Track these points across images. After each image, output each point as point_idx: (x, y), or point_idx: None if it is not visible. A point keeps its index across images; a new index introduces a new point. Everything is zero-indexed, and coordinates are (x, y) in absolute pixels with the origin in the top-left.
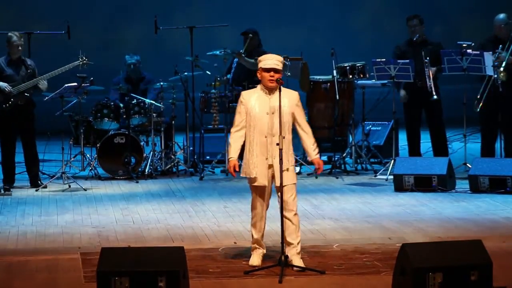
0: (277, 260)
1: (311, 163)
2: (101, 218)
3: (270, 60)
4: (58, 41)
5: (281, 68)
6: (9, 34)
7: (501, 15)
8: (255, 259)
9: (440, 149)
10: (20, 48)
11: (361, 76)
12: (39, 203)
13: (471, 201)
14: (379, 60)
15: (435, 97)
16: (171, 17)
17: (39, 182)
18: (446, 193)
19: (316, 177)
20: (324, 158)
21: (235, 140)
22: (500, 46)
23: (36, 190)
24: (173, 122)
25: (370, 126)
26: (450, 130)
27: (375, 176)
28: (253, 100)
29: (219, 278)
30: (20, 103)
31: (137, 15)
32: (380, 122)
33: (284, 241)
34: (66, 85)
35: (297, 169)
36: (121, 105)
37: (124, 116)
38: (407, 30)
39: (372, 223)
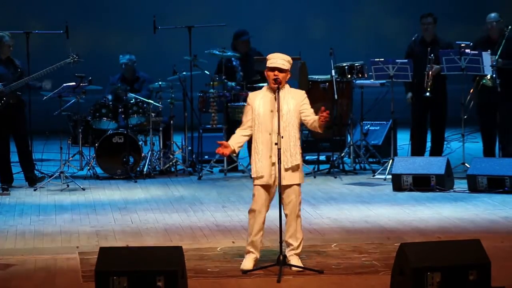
0: (275, 260)
1: (310, 162)
2: (99, 217)
3: (275, 59)
4: (57, 41)
5: (286, 68)
6: (0, 34)
7: (493, 14)
8: (247, 263)
9: (436, 151)
10: (11, 48)
11: (360, 75)
12: (37, 203)
13: (470, 201)
14: (378, 60)
15: (427, 94)
16: (170, 17)
17: (34, 179)
18: (445, 192)
19: (315, 177)
20: (323, 157)
21: (236, 135)
22: (489, 51)
23: (35, 190)
24: (171, 121)
25: (369, 126)
26: (448, 130)
27: (374, 175)
28: (258, 100)
29: (217, 278)
30: (12, 102)
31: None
32: (378, 122)
33: (283, 242)
34: (65, 84)
35: None
36: (110, 103)
37: (123, 116)
38: (420, 28)
39: (370, 223)
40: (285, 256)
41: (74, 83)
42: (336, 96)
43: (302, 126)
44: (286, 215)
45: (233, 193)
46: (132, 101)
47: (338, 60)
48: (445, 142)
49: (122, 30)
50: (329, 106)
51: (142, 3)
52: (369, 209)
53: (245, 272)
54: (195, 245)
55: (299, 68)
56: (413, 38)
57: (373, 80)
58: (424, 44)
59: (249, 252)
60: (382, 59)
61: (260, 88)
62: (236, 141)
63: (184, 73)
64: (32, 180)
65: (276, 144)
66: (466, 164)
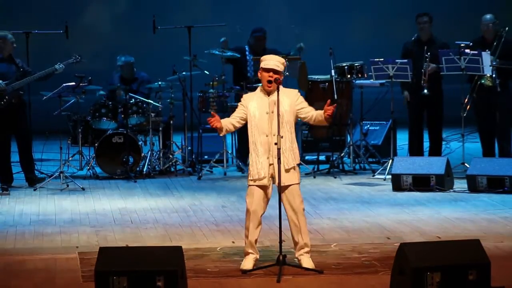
0: (275, 260)
1: (309, 162)
2: (99, 217)
3: (270, 61)
4: (56, 41)
5: (281, 70)
6: (4, 32)
7: (488, 16)
8: (247, 263)
9: (434, 150)
10: (14, 46)
11: (359, 75)
12: (37, 203)
13: (469, 201)
14: (377, 60)
15: (425, 91)
16: (169, 16)
17: (35, 179)
18: (444, 192)
19: (314, 177)
20: (322, 157)
21: (227, 119)
22: (488, 51)
23: (35, 190)
24: (171, 121)
25: (368, 126)
26: (448, 130)
27: (373, 175)
28: (253, 102)
29: (217, 278)
30: (14, 102)
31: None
32: (378, 122)
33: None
34: (64, 84)
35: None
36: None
37: (122, 116)
38: (416, 28)
39: (370, 223)
40: (285, 256)
41: (73, 83)
42: (335, 96)
43: (302, 125)
44: (289, 216)
45: (233, 193)
46: (131, 101)
47: (338, 60)
48: (444, 142)
49: (122, 30)
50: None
51: (142, 3)
52: (369, 209)
53: (245, 272)
54: (195, 245)
55: (299, 67)
56: (413, 38)
57: (372, 80)
58: (420, 44)
59: (248, 253)
60: (382, 59)
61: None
62: (226, 123)
63: (183, 73)
64: (32, 181)
65: (275, 144)
66: (465, 164)
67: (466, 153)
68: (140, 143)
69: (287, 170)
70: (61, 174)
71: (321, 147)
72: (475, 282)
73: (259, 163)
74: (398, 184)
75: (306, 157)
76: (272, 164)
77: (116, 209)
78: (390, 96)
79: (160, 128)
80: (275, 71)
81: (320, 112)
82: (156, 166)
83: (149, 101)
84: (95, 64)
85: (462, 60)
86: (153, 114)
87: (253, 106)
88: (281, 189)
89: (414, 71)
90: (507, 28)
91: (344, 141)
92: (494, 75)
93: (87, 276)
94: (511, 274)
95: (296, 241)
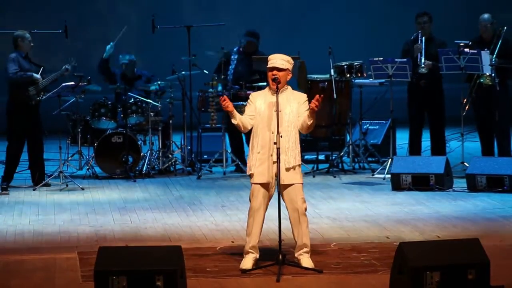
0: (274, 259)
1: (309, 162)
2: (98, 217)
3: (274, 60)
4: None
5: (285, 67)
6: (20, 32)
7: (486, 15)
8: (247, 263)
9: (438, 150)
10: (32, 45)
11: (359, 75)
12: (36, 202)
13: (469, 200)
14: (377, 59)
15: (423, 69)
16: (169, 16)
17: (41, 181)
18: (444, 192)
19: (314, 176)
20: (322, 157)
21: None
22: (487, 50)
23: (34, 190)
24: (170, 121)
25: (368, 125)
26: (447, 129)
27: (373, 175)
28: (260, 100)
29: (216, 277)
30: (40, 99)
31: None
32: (377, 121)
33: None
34: (64, 84)
35: None
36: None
37: (122, 115)
38: (416, 27)
39: (369, 222)
40: (284, 255)
41: (73, 83)
42: (335, 96)
43: None
44: (290, 215)
45: (232, 192)
46: (131, 101)
47: (337, 60)
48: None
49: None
50: (328, 106)
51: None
52: (368, 208)
53: (244, 271)
54: (194, 244)
55: (298, 67)
56: (412, 38)
57: (372, 79)
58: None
59: (248, 252)
60: (381, 59)
61: (259, 87)
62: (242, 117)
63: (183, 72)
64: (38, 183)
65: (275, 143)
66: (465, 163)
67: (465, 152)
68: (139, 142)
69: (287, 169)
70: (61, 174)
71: (320, 146)
72: (474, 281)
73: (259, 159)
74: (397, 183)
75: (306, 157)
76: (275, 162)
77: (115, 209)
78: (390, 95)
79: (160, 128)
80: (279, 69)
81: (306, 117)
82: (156, 166)
83: (149, 100)
84: (94, 64)
85: (461, 59)
86: (152, 114)
87: (260, 103)
88: (282, 188)
89: (413, 71)
90: (505, 28)
91: (344, 140)
92: (493, 74)
93: (87, 275)
94: (511, 273)
95: (296, 241)
